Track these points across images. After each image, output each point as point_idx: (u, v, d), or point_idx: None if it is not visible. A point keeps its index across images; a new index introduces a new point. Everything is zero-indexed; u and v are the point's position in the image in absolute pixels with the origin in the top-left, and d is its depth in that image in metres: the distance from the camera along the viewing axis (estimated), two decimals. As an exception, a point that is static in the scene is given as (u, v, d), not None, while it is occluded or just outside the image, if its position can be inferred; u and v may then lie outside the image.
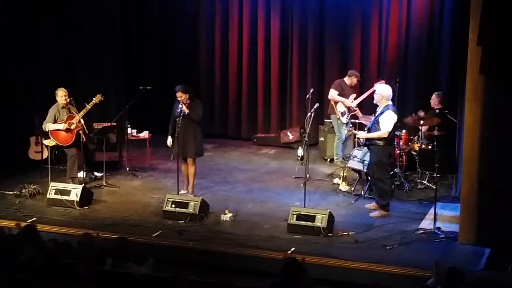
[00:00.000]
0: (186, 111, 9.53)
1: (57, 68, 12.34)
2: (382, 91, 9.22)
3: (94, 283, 6.01)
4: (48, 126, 10.42)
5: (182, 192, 9.83)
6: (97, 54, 13.22)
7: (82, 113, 10.43)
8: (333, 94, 11.77)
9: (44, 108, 10.67)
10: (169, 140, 9.84)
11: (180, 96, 9.58)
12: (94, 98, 10.58)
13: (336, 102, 11.74)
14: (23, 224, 7.56)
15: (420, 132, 10.90)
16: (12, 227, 7.66)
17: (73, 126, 10.38)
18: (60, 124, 10.40)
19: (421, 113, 10.95)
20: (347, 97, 11.71)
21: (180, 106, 9.55)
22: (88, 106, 10.48)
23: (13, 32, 11.55)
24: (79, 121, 10.39)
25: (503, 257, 7.67)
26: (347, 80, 11.87)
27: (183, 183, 9.98)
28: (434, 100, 11.20)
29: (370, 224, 8.96)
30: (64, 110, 10.52)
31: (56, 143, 10.52)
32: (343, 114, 11.69)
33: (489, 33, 7.75)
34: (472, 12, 7.92)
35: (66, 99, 10.43)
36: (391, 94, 9.25)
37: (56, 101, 10.53)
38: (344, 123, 11.68)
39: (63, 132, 10.42)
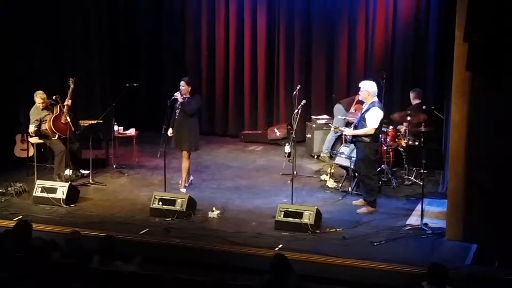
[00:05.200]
0: (180, 99, 9.76)
1: (43, 66, 12.25)
2: (368, 87, 9.22)
3: (81, 281, 5.98)
4: (41, 124, 10.37)
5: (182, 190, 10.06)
6: (84, 52, 13.13)
7: (68, 101, 10.42)
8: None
9: (30, 106, 10.59)
10: (170, 131, 9.97)
11: (183, 86, 9.84)
12: (69, 83, 10.56)
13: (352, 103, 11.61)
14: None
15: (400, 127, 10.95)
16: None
17: (67, 117, 10.34)
18: (58, 116, 10.39)
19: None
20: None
21: (176, 94, 9.78)
22: (70, 91, 10.47)
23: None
24: (69, 115, 10.37)
25: (489, 252, 7.70)
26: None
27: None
28: (411, 96, 11.34)
29: (358, 221, 8.96)
30: (44, 111, 10.48)
31: (58, 135, 10.45)
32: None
33: (475, 30, 7.78)
34: (459, 9, 7.94)
35: (43, 105, 10.41)
36: (377, 90, 9.26)
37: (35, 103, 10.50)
38: (343, 118, 11.49)
39: (62, 123, 10.40)
